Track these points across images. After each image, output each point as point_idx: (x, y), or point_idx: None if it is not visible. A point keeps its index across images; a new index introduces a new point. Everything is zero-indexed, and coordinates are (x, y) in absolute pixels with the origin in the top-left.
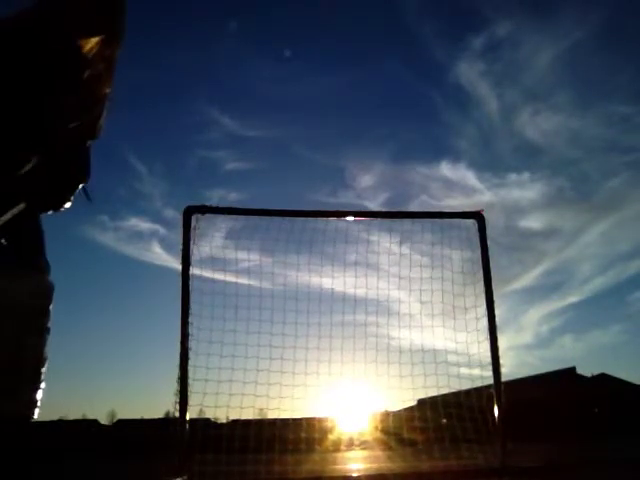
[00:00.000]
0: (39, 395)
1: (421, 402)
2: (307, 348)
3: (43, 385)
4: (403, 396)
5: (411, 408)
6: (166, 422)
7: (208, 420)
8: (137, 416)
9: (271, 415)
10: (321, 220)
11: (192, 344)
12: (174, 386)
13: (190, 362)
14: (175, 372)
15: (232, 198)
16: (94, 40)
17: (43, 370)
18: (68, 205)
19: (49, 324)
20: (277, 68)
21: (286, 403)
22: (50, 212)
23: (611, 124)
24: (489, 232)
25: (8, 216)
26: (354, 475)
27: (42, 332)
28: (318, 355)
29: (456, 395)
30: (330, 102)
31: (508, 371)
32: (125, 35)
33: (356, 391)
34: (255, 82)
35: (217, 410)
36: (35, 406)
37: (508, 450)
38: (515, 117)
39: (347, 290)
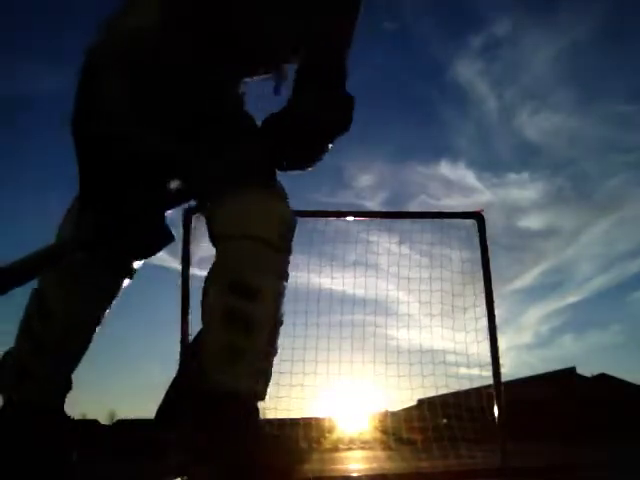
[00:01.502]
0: (269, 369)
1: (420, 402)
2: (305, 348)
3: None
4: (402, 396)
5: (410, 408)
6: None
7: None
8: (137, 416)
9: (269, 415)
10: (321, 220)
11: None
12: None
13: None
14: (175, 372)
15: None
16: None
17: (278, 332)
18: (315, 164)
19: (288, 269)
20: None
21: (284, 403)
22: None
23: (611, 123)
24: (488, 232)
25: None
26: (354, 475)
27: (281, 276)
28: (316, 355)
29: (455, 395)
30: None
31: (508, 371)
32: None
33: (355, 391)
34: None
35: None
36: (266, 383)
37: (508, 450)
38: (514, 116)
39: (346, 290)
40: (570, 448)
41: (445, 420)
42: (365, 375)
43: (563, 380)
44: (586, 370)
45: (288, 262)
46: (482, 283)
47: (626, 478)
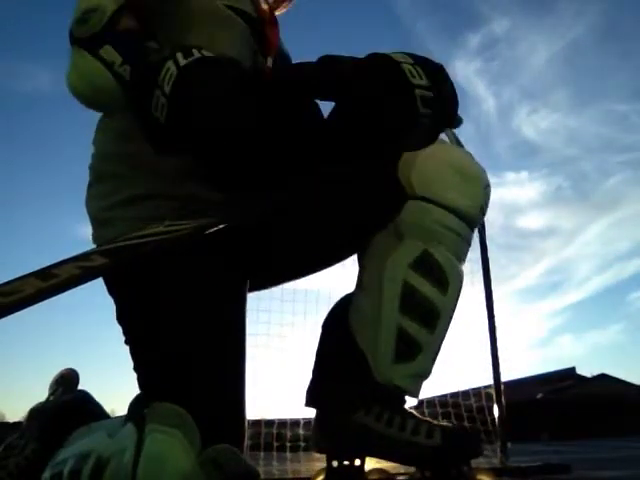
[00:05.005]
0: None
1: (420, 402)
2: (305, 348)
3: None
4: None
5: (410, 408)
6: None
7: None
8: None
9: (268, 415)
10: None
11: None
12: None
13: None
14: None
15: None
16: None
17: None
18: None
19: None
20: None
21: (284, 402)
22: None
23: (609, 122)
24: (488, 232)
25: None
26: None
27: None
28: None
29: (455, 395)
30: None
31: (508, 371)
32: None
33: None
34: None
35: None
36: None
37: (508, 450)
38: (512, 115)
39: (346, 289)
40: (570, 448)
41: (445, 421)
42: None
43: (563, 380)
44: (586, 370)
45: None
46: (482, 283)
47: (626, 477)
